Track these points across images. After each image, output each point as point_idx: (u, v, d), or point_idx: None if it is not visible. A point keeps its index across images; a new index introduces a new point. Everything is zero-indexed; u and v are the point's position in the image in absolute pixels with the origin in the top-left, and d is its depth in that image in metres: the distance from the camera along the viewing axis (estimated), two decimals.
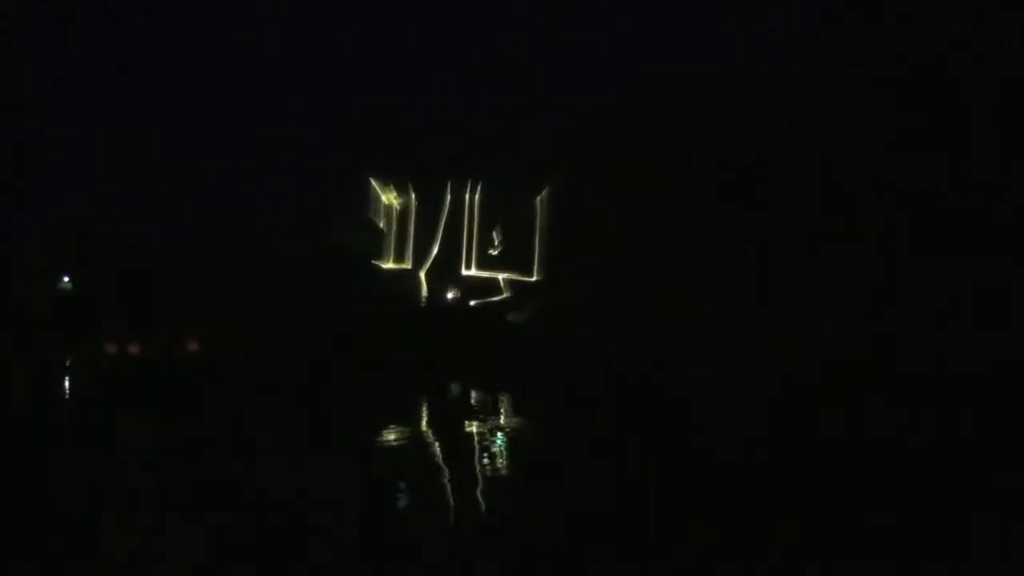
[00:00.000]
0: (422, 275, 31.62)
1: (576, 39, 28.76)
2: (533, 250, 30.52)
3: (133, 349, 30.86)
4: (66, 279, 31.80)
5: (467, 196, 30.99)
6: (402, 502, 10.86)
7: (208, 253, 30.15)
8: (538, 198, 30.53)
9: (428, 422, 18.71)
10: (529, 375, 25.71)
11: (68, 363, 29.53)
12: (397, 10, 31.69)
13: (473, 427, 17.27)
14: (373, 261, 31.40)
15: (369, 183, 31.20)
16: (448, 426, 17.48)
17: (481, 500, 10.79)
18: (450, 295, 30.96)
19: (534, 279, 30.70)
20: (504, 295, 30.71)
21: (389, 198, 31.71)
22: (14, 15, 28.64)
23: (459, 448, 14.95)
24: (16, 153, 30.95)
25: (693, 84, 28.66)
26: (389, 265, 32.12)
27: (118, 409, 19.85)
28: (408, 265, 31.58)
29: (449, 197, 31.15)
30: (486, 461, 13.64)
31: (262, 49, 31.05)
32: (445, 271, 31.02)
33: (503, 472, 12.92)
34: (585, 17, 29.02)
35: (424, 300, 30.81)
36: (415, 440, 16.03)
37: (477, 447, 15.06)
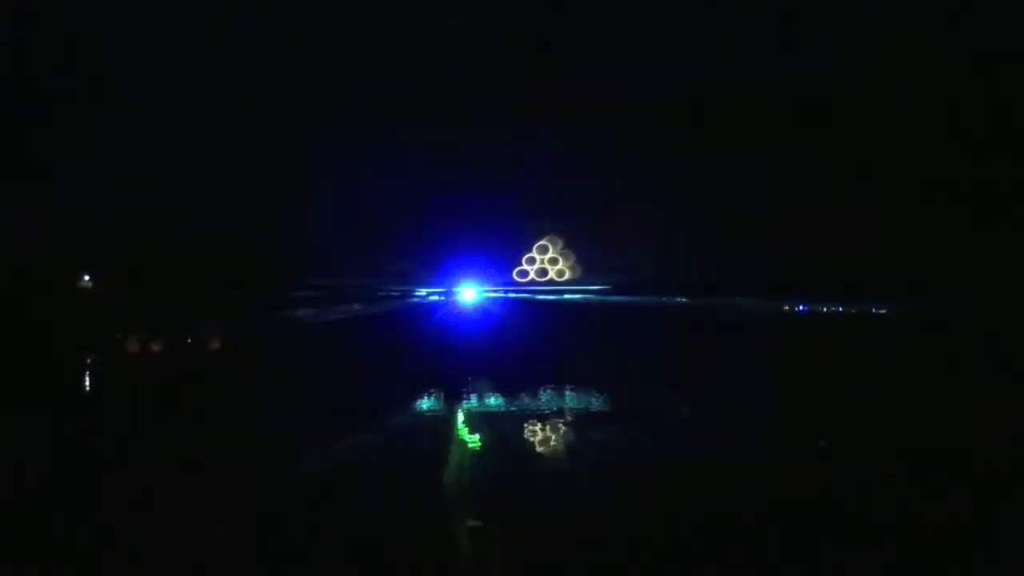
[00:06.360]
0: None
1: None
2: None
3: (155, 347, 30.33)
4: (86, 277, 31.16)
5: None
6: None
7: (229, 249, 29.52)
8: None
9: None
10: None
11: (90, 361, 29.02)
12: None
13: None
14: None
15: None
16: None
17: None
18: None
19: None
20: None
21: None
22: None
23: None
24: (32, 150, 30.51)
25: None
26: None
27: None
28: None
29: None
30: None
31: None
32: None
33: None
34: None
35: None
36: None
37: None
